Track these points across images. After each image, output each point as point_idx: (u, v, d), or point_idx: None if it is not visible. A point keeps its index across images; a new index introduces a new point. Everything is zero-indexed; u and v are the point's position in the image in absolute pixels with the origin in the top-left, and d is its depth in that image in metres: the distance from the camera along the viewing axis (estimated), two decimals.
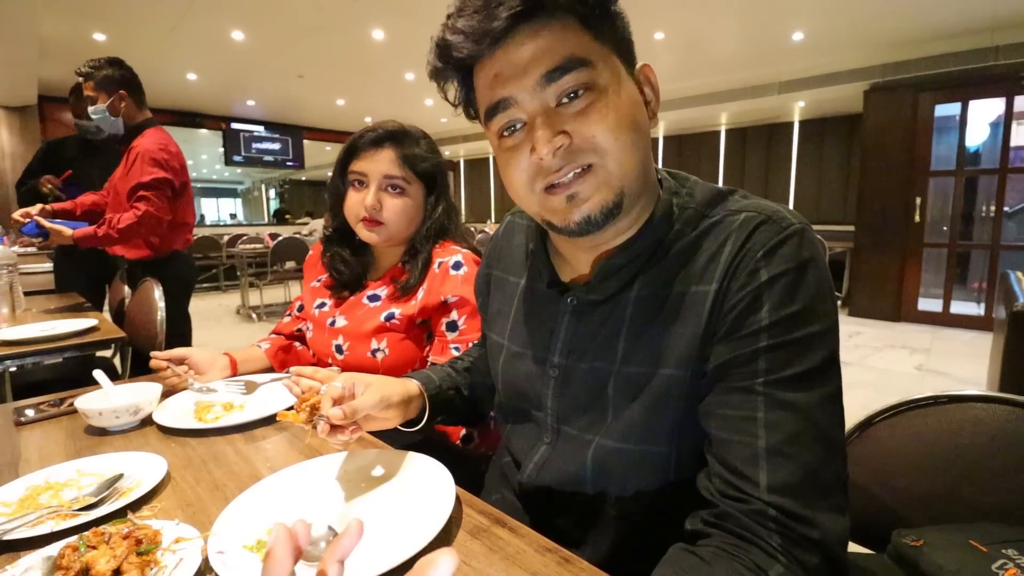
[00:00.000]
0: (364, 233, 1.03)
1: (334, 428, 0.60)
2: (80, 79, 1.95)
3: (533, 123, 0.51)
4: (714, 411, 0.49)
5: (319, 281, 1.15)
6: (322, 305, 1.11)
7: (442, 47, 0.52)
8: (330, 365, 1.06)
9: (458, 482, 0.61)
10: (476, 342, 0.89)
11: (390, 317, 1.01)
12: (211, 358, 1.05)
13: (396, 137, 1.01)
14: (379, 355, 1.00)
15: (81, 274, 2.58)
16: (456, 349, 0.97)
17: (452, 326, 0.99)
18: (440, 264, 1.01)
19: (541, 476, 0.63)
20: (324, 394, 0.62)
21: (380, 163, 1.00)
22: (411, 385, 0.72)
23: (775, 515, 0.43)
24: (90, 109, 1.93)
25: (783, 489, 0.44)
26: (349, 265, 1.09)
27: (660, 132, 8.28)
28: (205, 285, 7.48)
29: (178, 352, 1.02)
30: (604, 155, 0.50)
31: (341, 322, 1.05)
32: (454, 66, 0.54)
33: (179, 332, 2.10)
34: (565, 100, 0.50)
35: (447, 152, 10.58)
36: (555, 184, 0.52)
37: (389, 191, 1.01)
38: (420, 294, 1.01)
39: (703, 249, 0.53)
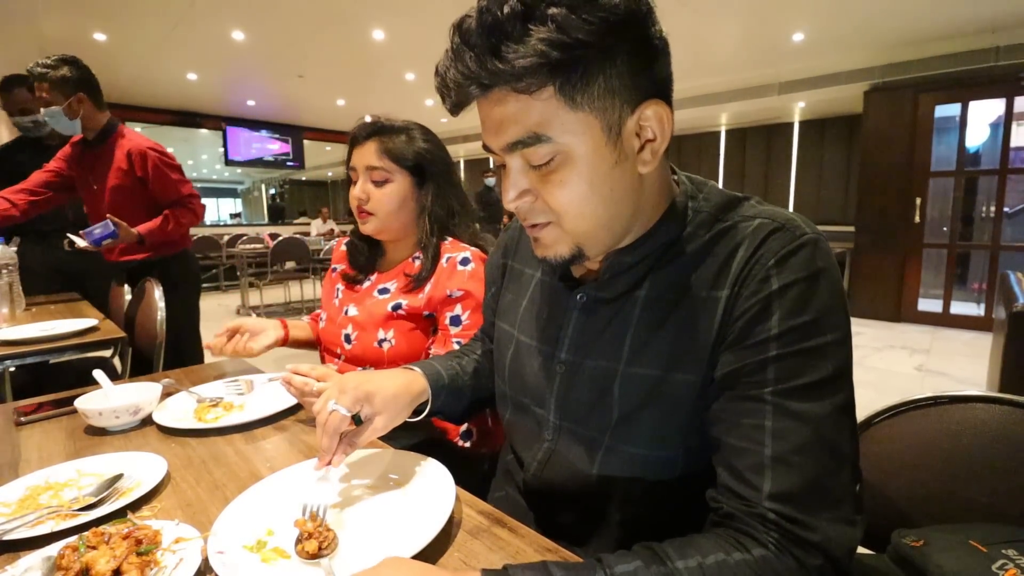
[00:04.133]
0: (360, 224, 1.09)
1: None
2: (31, 77, 1.85)
3: (506, 172, 0.54)
4: (722, 418, 0.49)
5: (335, 270, 1.20)
6: (336, 294, 1.16)
7: (437, 87, 0.51)
8: (338, 355, 1.09)
9: (460, 483, 0.61)
10: (477, 336, 0.89)
11: (397, 307, 1.03)
12: (262, 322, 1.11)
13: (380, 131, 1.05)
14: (385, 345, 1.03)
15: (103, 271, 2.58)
16: (458, 343, 0.98)
17: (456, 320, 1.01)
18: (448, 259, 1.04)
19: (544, 474, 0.63)
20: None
21: (364, 156, 1.05)
22: (416, 387, 0.70)
23: (774, 519, 0.44)
24: (45, 111, 1.85)
25: (785, 497, 0.44)
26: (362, 252, 1.16)
27: None
28: (205, 285, 7.47)
29: (231, 324, 1.08)
30: (561, 218, 0.52)
31: (352, 311, 1.09)
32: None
33: (193, 326, 2.19)
34: (533, 162, 0.51)
35: None
36: (524, 226, 0.56)
37: (375, 183, 1.06)
38: (428, 287, 1.04)
39: (715, 253, 0.53)
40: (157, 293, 1.69)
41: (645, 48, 0.48)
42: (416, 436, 0.94)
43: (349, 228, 1.28)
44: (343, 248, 1.21)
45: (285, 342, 1.14)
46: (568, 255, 0.55)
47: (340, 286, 1.16)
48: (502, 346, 0.73)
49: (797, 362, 0.46)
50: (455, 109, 0.50)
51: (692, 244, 0.55)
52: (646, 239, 0.56)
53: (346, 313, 1.09)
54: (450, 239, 1.08)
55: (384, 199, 1.05)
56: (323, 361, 1.16)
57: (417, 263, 1.07)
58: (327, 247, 6.09)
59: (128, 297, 2.03)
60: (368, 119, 1.08)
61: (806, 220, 0.51)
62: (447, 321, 1.01)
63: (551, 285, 0.67)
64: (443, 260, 1.04)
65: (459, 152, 10.66)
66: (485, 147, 0.54)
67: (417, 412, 0.73)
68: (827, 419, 0.45)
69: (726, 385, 0.49)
